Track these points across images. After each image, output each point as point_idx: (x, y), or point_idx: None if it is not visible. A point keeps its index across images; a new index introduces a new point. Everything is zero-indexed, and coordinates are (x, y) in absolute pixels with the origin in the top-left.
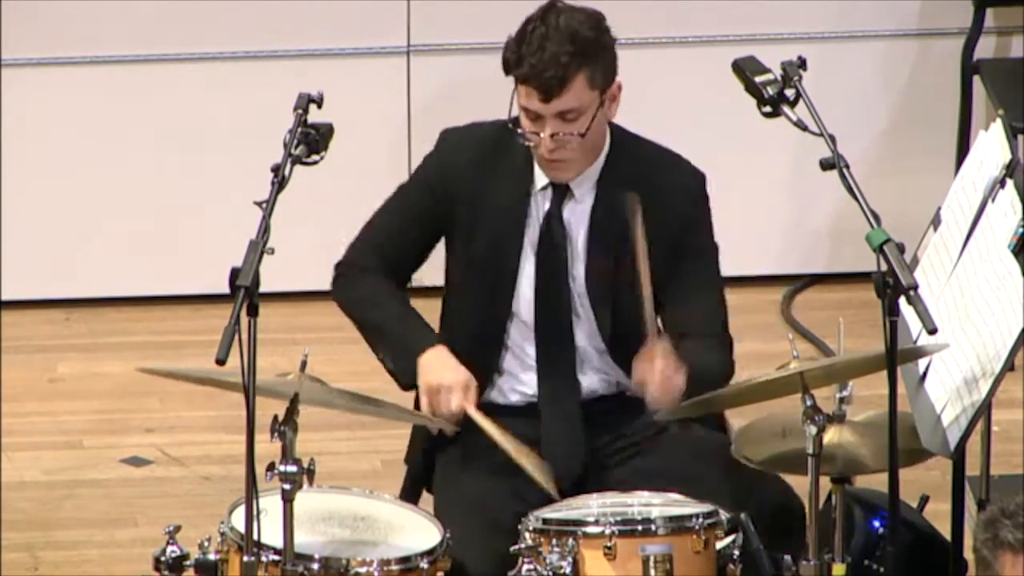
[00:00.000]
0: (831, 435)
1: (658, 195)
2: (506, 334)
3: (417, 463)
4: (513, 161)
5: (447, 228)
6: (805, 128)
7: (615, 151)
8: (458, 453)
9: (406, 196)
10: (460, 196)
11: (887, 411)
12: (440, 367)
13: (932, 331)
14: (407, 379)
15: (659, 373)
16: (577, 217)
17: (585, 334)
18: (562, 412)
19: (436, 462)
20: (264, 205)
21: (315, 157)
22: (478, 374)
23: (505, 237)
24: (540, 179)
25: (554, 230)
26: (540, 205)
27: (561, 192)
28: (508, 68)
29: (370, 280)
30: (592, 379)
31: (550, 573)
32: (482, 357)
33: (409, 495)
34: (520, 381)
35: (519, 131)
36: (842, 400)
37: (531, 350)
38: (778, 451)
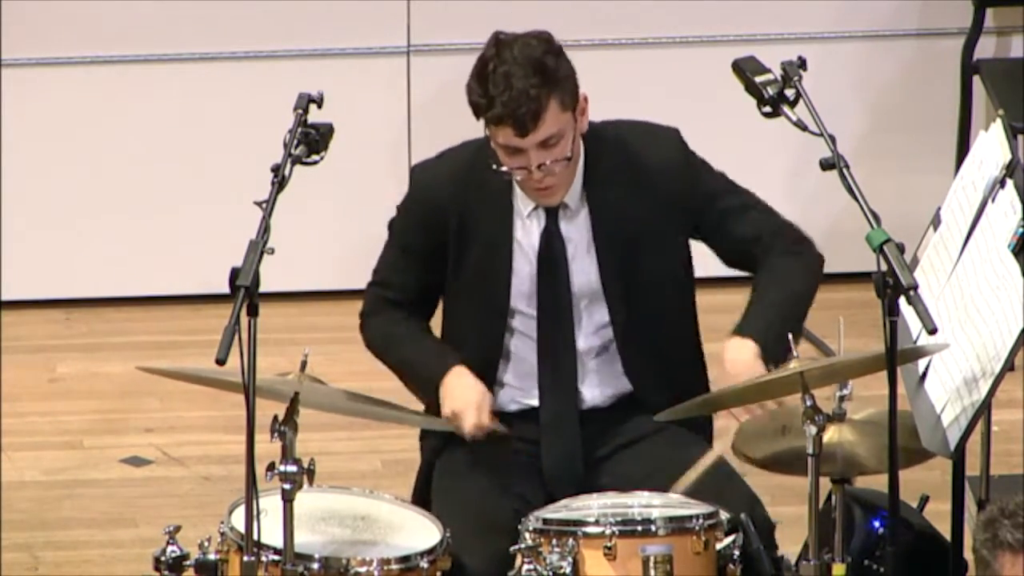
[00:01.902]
0: (831, 434)
1: (648, 173)
2: (506, 350)
3: (424, 467)
4: (490, 184)
5: (444, 255)
6: (805, 128)
7: (590, 149)
8: (458, 454)
9: (399, 236)
10: (448, 227)
11: (887, 411)
12: (454, 392)
13: (932, 331)
14: (437, 410)
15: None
16: (576, 226)
17: (589, 341)
18: (561, 422)
19: (436, 463)
20: (264, 205)
21: (315, 157)
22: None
23: (493, 261)
24: (527, 203)
25: (554, 247)
26: (530, 224)
27: (554, 208)
28: (479, 112)
29: (383, 318)
30: (592, 390)
31: (550, 573)
32: (484, 371)
33: (418, 498)
34: (523, 391)
35: (503, 170)
36: (842, 398)
37: (534, 362)
38: (778, 448)
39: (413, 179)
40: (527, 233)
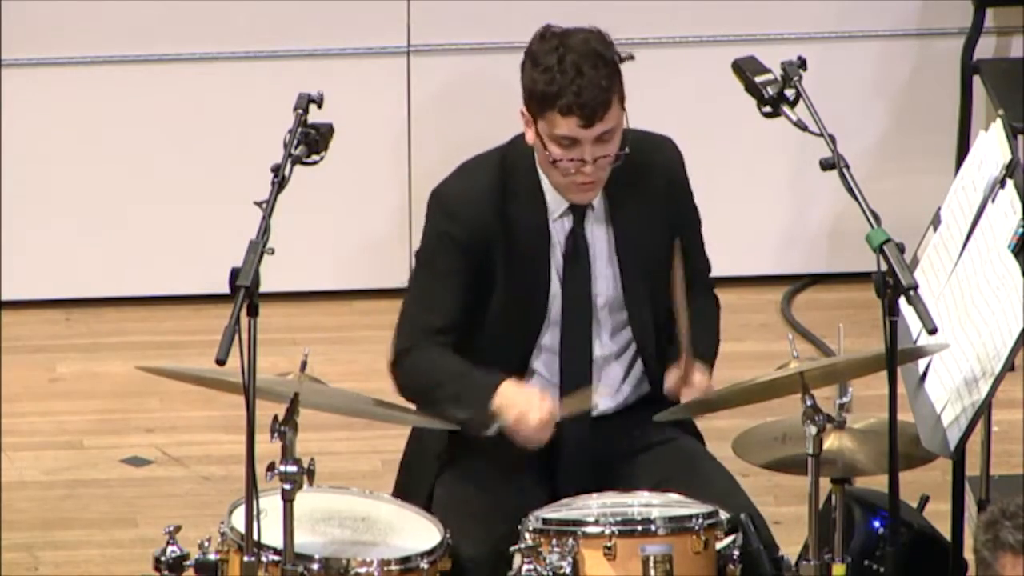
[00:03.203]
0: (831, 441)
1: (655, 184)
2: (532, 364)
3: (423, 467)
4: (523, 191)
5: (489, 276)
6: (805, 128)
7: None
8: (459, 453)
9: (439, 265)
10: (494, 242)
11: (887, 416)
12: (510, 400)
13: (932, 331)
14: (493, 431)
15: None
16: (598, 230)
17: (605, 348)
18: (576, 430)
19: (440, 462)
20: (264, 205)
21: (315, 157)
22: None
23: (538, 268)
24: (557, 204)
25: (579, 249)
26: (561, 227)
27: (581, 210)
28: (546, 100)
29: (419, 356)
30: (606, 399)
31: (550, 573)
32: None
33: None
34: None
35: (555, 159)
36: (842, 407)
37: (553, 372)
38: (777, 455)
39: (444, 200)
40: (557, 236)
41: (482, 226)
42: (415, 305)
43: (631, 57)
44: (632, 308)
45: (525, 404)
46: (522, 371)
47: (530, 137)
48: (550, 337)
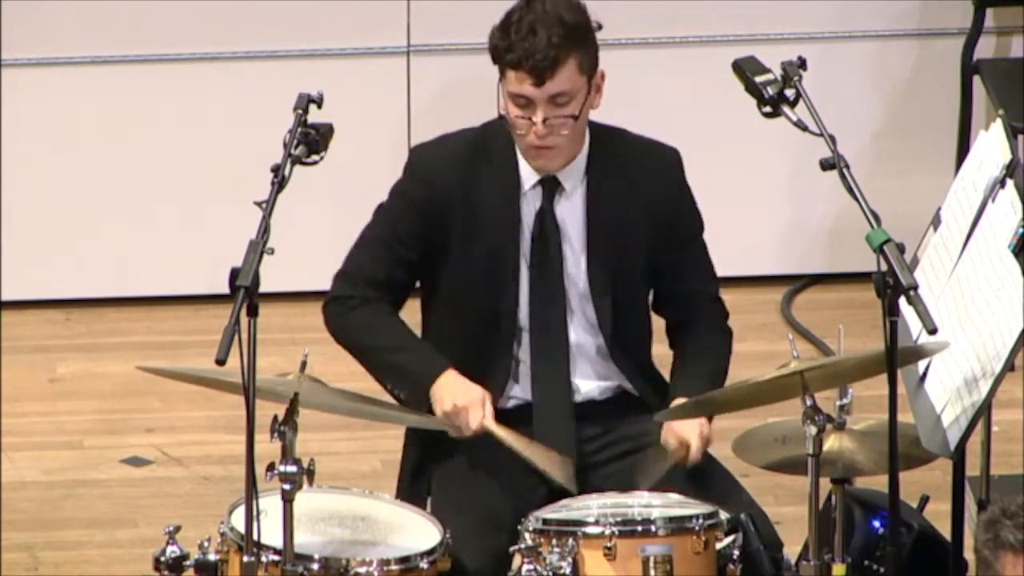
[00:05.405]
0: (831, 442)
1: (644, 184)
2: (508, 342)
3: (413, 466)
4: (497, 164)
5: (441, 243)
6: (805, 128)
7: (595, 143)
8: (457, 452)
9: (391, 220)
10: (452, 209)
11: (887, 417)
12: (453, 390)
13: (932, 331)
14: (421, 408)
15: (699, 437)
16: (570, 212)
17: (580, 332)
18: (555, 415)
19: (435, 462)
20: (264, 205)
21: (315, 157)
22: (476, 383)
23: (503, 243)
24: (528, 178)
25: (547, 228)
26: (531, 204)
27: (551, 188)
28: (498, 55)
29: (366, 309)
30: (586, 382)
31: (550, 573)
32: (480, 367)
33: (409, 497)
34: (514, 385)
35: (511, 116)
36: (842, 408)
37: (525, 354)
38: (777, 457)
39: (414, 160)
40: (528, 211)
41: (442, 190)
42: (363, 251)
43: (599, 27)
44: (598, 299)
45: (465, 401)
46: (501, 343)
47: (502, 102)
48: (522, 314)
